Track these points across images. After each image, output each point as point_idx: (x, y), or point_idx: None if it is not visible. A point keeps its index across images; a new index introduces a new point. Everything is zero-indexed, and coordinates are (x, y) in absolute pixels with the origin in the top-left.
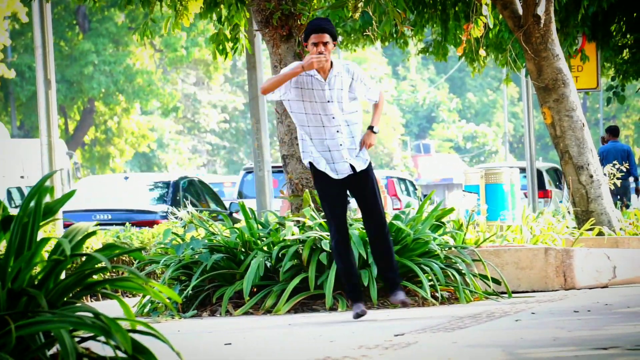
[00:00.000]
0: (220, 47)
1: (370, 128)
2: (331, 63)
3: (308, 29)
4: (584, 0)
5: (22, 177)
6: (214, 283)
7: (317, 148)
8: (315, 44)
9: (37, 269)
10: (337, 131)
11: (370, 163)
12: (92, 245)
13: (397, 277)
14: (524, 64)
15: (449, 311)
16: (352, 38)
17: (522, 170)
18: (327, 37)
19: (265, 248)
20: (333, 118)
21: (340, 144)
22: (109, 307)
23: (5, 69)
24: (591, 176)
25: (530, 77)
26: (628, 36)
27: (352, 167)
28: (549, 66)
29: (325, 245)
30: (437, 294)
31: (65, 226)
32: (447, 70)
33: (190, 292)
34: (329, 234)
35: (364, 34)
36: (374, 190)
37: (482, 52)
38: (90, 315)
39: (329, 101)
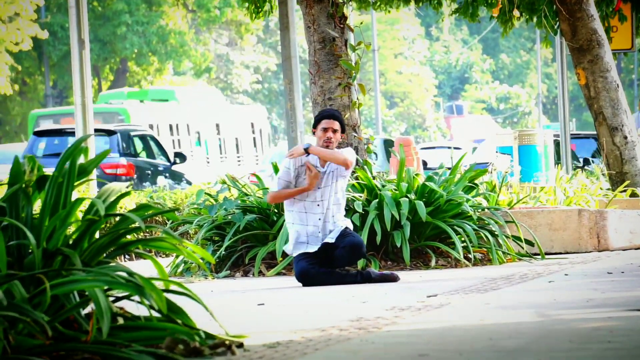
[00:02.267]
0: (252, 7)
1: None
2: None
3: (320, 114)
4: None
5: None
6: (246, 244)
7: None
8: (325, 129)
9: (72, 228)
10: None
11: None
12: (126, 205)
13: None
14: (557, 24)
15: (481, 273)
16: None
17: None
18: (337, 125)
19: None
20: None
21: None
22: (142, 267)
23: (39, 29)
24: (625, 137)
25: (565, 37)
26: None
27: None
28: (583, 27)
29: (358, 206)
30: (469, 256)
31: None
32: (481, 31)
33: (223, 252)
34: (361, 194)
35: None
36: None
37: (516, 13)
38: (125, 274)
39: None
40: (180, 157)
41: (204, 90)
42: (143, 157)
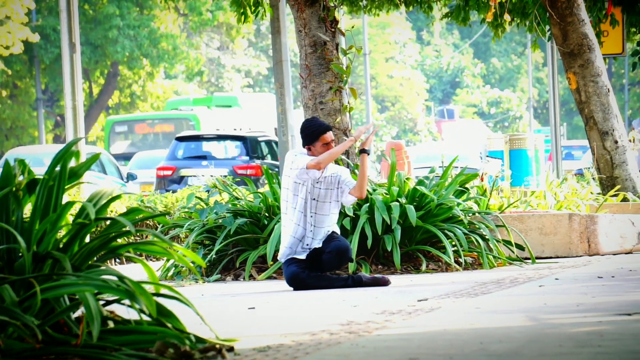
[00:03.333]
0: (242, 11)
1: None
2: None
3: (317, 129)
4: None
5: None
6: (237, 247)
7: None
8: (327, 144)
9: (62, 232)
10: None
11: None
12: (116, 209)
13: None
14: (548, 29)
15: (472, 277)
16: (376, 2)
17: None
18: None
19: None
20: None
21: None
22: (133, 271)
23: (30, 33)
24: (616, 142)
25: (556, 42)
26: None
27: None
28: (574, 31)
29: (349, 210)
30: (460, 260)
31: None
32: (472, 35)
33: (214, 256)
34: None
35: None
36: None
37: (507, 17)
38: (115, 278)
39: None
40: None
41: (262, 96)
42: (268, 159)
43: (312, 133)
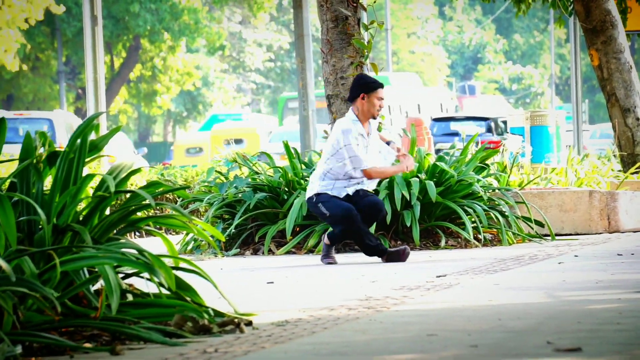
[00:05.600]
0: None
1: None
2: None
3: (373, 83)
4: None
5: None
6: (256, 222)
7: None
8: (381, 98)
9: (82, 205)
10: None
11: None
12: (136, 182)
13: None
14: (571, 5)
15: (491, 253)
16: None
17: None
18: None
19: None
20: None
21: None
22: (152, 245)
23: (54, 4)
24: (638, 119)
25: (578, 18)
26: None
27: None
28: (597, 7)
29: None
30: (479, 236)
31: None
32: (494, 11)
33: (233, 230)
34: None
35: None
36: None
37: None
38: (134, 251)
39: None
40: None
41: (407, 75)
42: (503, 134)
43: (371, 84)
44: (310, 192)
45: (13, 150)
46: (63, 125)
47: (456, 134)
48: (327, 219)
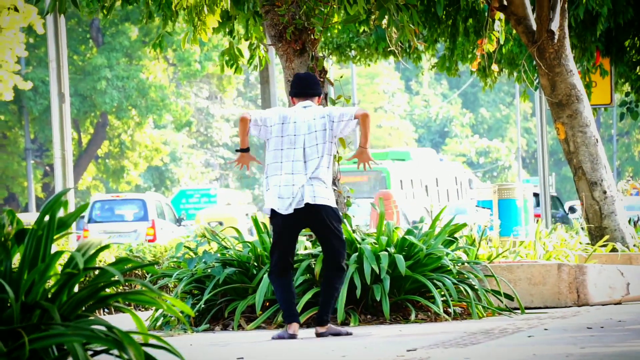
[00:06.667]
0: (231, 61)
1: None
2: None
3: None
4: (600, 16)
5: None
6: (226, 297)
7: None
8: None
9: (51, 282)
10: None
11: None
12: (105, 259)
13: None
14: (536, 79)
15: (461, 327)
16: (365, 53)
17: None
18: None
19: None
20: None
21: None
22: (121, 321)
23: (21, 80)
24: (605, 192)
25: (544, 92)
26: None
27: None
28: (562, 82)
29: None
30: (449, 310)
31: None
32: (460, 86)
33: (202, 306)
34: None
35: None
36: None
37: (494, 67)
38: (103, 328)
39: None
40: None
41: (426, 150)
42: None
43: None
44: (329, 200)
45: (111, 228)
46: (154, 204)
47: None
48: (342, 242)
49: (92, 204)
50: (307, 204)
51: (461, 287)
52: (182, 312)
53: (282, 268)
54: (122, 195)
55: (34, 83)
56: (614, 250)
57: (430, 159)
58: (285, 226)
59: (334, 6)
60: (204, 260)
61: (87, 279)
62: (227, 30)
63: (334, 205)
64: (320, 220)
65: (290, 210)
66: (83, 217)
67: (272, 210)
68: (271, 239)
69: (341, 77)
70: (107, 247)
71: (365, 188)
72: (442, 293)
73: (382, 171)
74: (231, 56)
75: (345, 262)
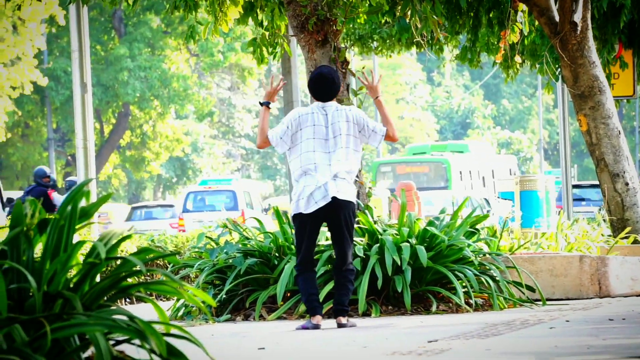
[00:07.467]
0: (260, 52)
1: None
2: None
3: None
4: (624, 7)
5: None
6: (247, 287)
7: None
8: None
9: (73, 271)
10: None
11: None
12: (127, 248)
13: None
14: (558, 70)
15: (482, 318)
16: (387, 44)
17: None
18: None
19: None
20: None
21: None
22: (143, 311)
23: (40, 75)
24: (627, 184)
25: (566, 84)
26: None
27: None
28: (585, 73)
29: (359, 250)
30: (470, 301)
31: None
32: (482, 77)
33: (224, 296)
34: (362, 239)
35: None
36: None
37: (517, 59)
38: (125, 318)
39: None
40: None
41: (482, 143)
42: None
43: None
44: (351, 196)
45: (202, 217)
46: (242, 194)
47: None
48: (351, 244)
49: (186, 195)
50: (333, 198)
51: (482, 279)
52: (203, 302)
53: (309, 262)
54: (214, 186)
55: (56, 73)
56: (636, 242)
57: (487, 152)
58: (309, 221)
59: None
60: (225, 250)
61: (109, 268)
62: (252, 21)
63: (355, 202)
64: (341, 218)
65: (317, 207)
66: (172, 206)
67: (297, 208)
68: (293, 232)
69: (363, 68)
70: (129, 237)
71: (424, 179)
72: (464, 284)
73: (443, 162)
74: (258, 46)
75: (352, 263)
